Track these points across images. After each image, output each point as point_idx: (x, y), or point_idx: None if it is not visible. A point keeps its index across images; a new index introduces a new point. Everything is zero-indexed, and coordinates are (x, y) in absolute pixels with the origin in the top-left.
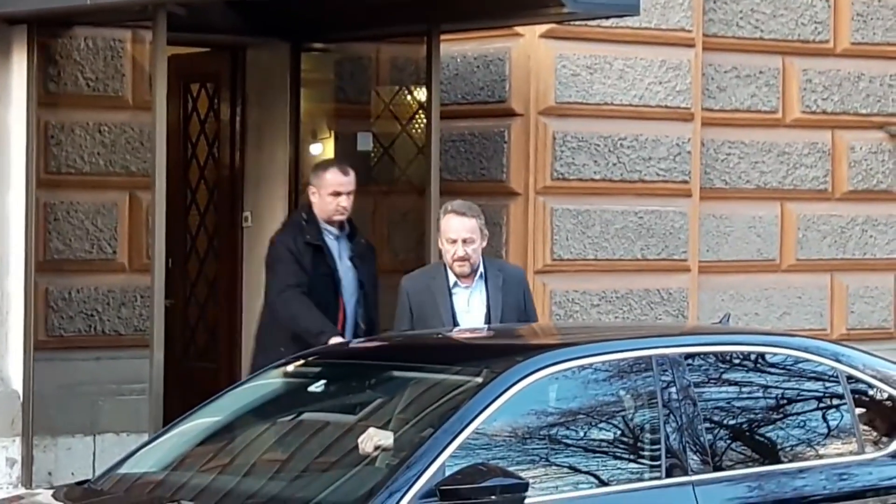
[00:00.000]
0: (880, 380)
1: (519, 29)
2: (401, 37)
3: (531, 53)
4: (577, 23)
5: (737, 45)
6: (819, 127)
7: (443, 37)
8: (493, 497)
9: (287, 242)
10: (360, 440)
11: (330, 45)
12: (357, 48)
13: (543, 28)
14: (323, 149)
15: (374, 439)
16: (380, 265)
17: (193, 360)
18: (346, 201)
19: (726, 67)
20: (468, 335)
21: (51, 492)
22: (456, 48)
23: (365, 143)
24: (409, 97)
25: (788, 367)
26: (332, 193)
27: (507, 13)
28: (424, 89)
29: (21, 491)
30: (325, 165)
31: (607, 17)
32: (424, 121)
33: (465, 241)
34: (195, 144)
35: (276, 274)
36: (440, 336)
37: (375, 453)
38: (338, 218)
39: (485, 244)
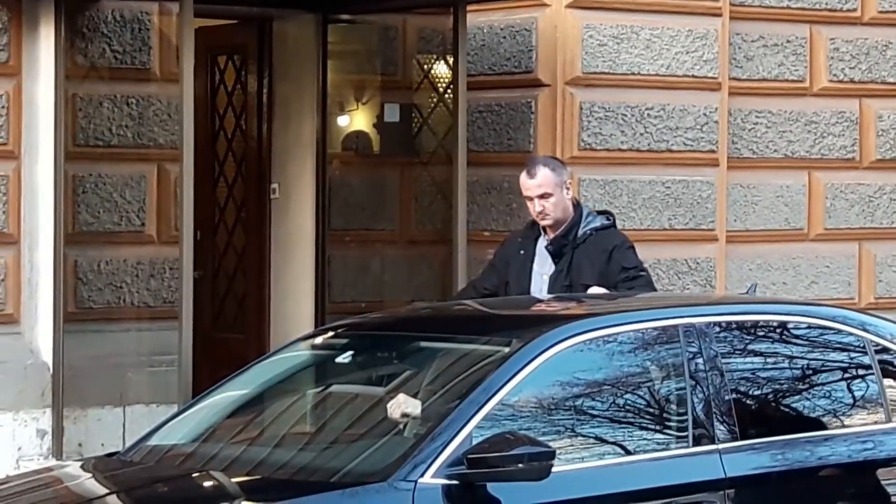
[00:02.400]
0: None
1: None
2: (427, 8)
3: (558, 23)
4: None
5: (764, 14)
6: (846, 96)
7: (469, 7)
8: (520, 465)
9: (505, 242)
10: (388, 405)
11: (357, 17)
12: (384, 19)
13: None
14: (350, 120)
15: (403, 406)
16: (406, 236)
17: (222, 332)
18: (539, 205)
19: (753, 36)
20: (497, 305)
21: (80, 463)
22: (482, 19)
23: (392, 114)
24: (435, 68)
25: (815, 338)
26: (525, 197)
27: None
28: (451, 60)
29: (51, 462)
30: (526, 163)
31: None
32: (451, 92)
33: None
34: (223, 117)
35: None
36: (468, 307)
37: (403, 420)
38: (543, 222)
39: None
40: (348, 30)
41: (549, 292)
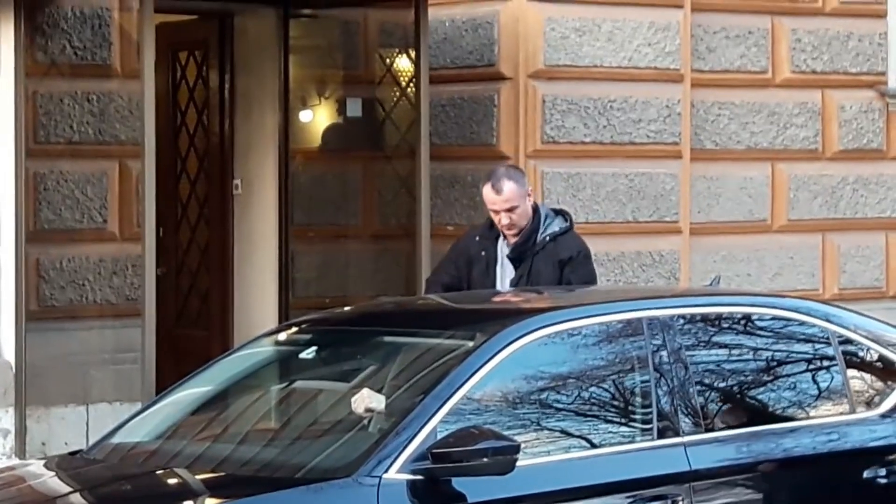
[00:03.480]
0: (872, 340)
1: None
2: (389, 2)
3: (519, 16)
4: None
5: (725, 6)
6: (809, 87)
7: (431, 1)
8: (484, 459)
9: (466, 235)
10: (353, 400)
11: (318, 11)
12: (345, 14)
13: None
14: (313, 115)
15: (367, 401)
16: (370, 231)
17: (186, 328)
18: (506, 218)
19: (715, 28)
20: (460, 300)
21: (43, 462)
22: (444, 12)
23: (354, 108)
24: (397, 62)
25: (779, 329)
26: (490, 210)
27: None
28: (413, 54)
29: (14, 461)
30: (485, 177)
31: None
32: (414, 86)
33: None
34: (184, 112)
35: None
36: (432, 301)
37: (367, 415)
38: (507, 233)
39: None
40: (309, 24)
41: None
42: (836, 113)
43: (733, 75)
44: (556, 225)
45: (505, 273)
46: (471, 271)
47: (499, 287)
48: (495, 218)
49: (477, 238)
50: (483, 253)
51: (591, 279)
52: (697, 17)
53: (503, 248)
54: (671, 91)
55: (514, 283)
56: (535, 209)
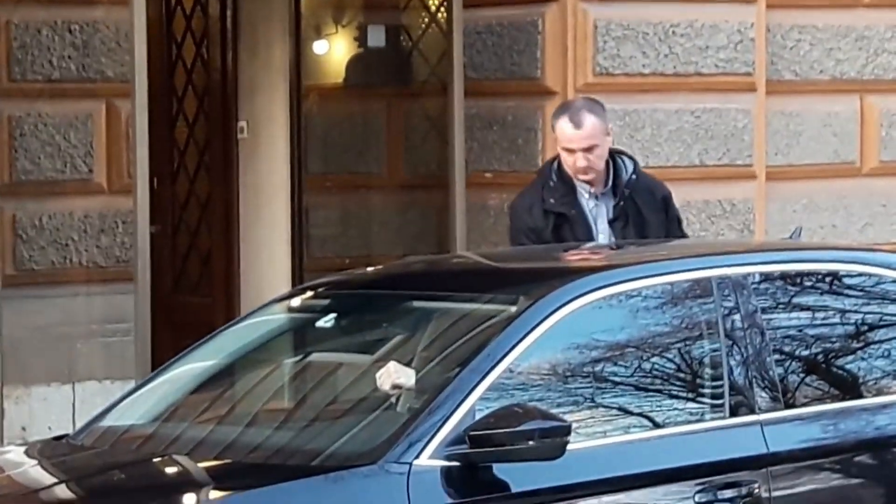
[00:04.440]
0: None
1: None
2: None
3: None
4: None
5: None
6: None
7: None
8: (530, 442)
9: (522, 212)
10: (378, 376)
11: None
12: None
13: None
14: (329, 47)
15: (394, 376)
16: (396, 180)
17: (185, 294)
18: (582, 160)
19: None
20: (502, 257)
21: (24, 448)
22: None
23: (377, 38)
24: None
25: (871, 288)
26: (564, 149)
27: None
28: None
29: None
30: (559, 109)
31: None
32: (445, 10)
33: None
34: (181, 45)
35: None
36: (468, 260)
37: (395, 392)
38: (582, 178)
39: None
40: None
41: None
42: None
43: None
44: (629, 163)
45: (601, 225)
46: (562, 238)
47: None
48: (570, 159)
49: (552, 199)
50: (573, 210)
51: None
52: None
53: (586, 198)
54: (743, 13)
55: (619, 235)
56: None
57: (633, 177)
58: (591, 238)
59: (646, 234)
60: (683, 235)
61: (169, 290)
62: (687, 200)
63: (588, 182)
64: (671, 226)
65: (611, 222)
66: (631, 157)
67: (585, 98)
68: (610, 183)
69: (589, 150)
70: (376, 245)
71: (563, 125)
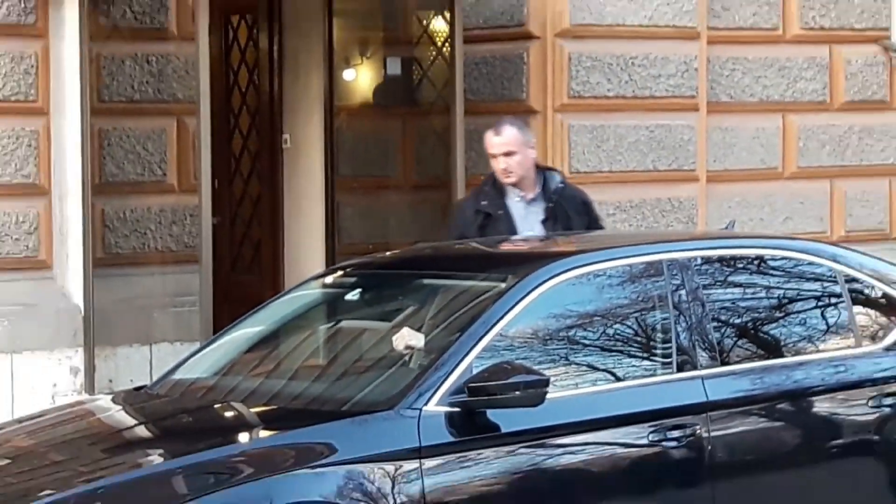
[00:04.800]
0: (876, 279)
1: None
2: None
3: None
4: None
5: None
6: (817, 42)
7: None
8: (517, 392)
9: (456, 211)
10: (394, 339)
11: None
12: None
13: None
14: (355, 74)
15: (408, 339)
16: (409, 182)
17: (240, 274)
18: (504, 163)
19: None
20: (493, 244)
21: (111, 397)
22: None
23: (394, 67)
24: (434, 24)
25: (789, 269)
26: (490, 155)
27: None
28: (448, 16)
29: (84, 397)
30: (493, 125)
31: None
32: (448, 46)
33: (506, 155)
34: (236, 73)
35: None
36: (467, 246)
37: (408, 352)
38: (507, 181)
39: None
40: None
41: None
42: (843, 66)
43: (746, 32)
44: (557, 178)
45: (528, 222)
46: (487, 233)
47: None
48: (494, 163)
49: (483, 202)
50: (500, 211)
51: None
52: None
53: (516, 201)
54: (689, 48)
55: (548, 229)
56: (538, 168)
57: (560, 186)
58: (512, 231)
59: (572, 229)
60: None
61: (227, 270)
62: (642, 198)
63: (514, 185)
64: (593, 225)
65: (543, 222)
66: (558, 171)
67: (511, 118)
68: (539, 190)
69: (508, 154)
70: (393, 234)
71: (488, 134)
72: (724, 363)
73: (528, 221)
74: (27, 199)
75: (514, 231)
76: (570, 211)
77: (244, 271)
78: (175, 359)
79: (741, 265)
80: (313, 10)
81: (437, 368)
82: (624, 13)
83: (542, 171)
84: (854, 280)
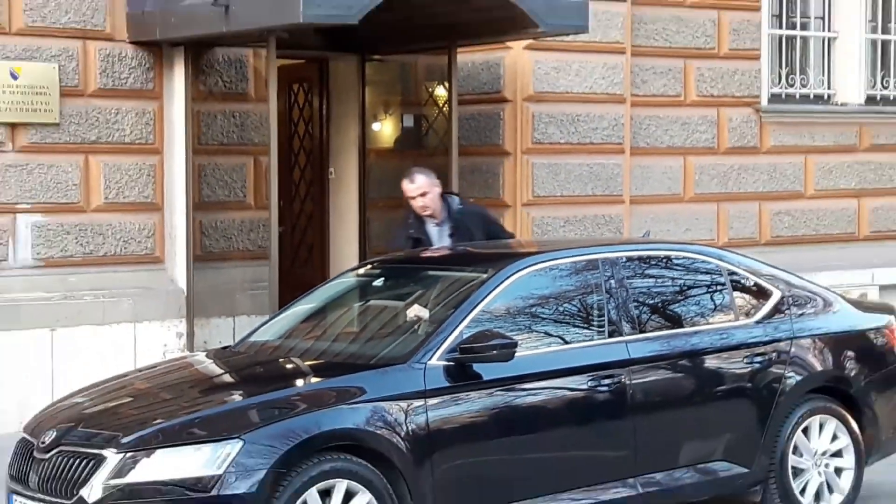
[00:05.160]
0: (750, 272)
1: (509, 43)
2: (431, 51)
3: (517, 59)
4: (547, 39)
5: (653, 52)
6: (709, 105)
7: (459, 50)
8: (494, 352)
9: (397, 236)
10: (407, 312)
11: (385, 57)
12: (403, 59)
13: (525, 43)
14: (381, 127)
15: (417, 313)
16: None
17: (298, 268)
18: (420, 202)
19: (646, 66)
20: (478, 247)
21: (205, 353)
22: (468, 58)
23: (408, 121)
24: (436, 91)
25: (688, 265)
26: (409, 198)
27: (501, 34)
28: (447, 85)
29: (186, 354)
30: (404, 175)
31: (566, 35)
32: (447, 106)
33: (421, 195)
34: (296, 124)
35: None
36: (459, 249)
37: (417, 322)
38: (424, 214)
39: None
40: (379, 66)
41: None
42: (726, 123)
43: (659, 98)
44: (456, 200)
45: (442, 240)
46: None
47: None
48: (413, 204)
49: (411, 231)
50: (420, 237)
51: (504, 229)
52: (635, 60)
53: (431, 227)
54: (617, 109)
55: (453, 241)
56: (442, 195)
57: (460, 207)
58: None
59: (472, 240)
60: (510, 235)
61: (288, 265)
62: (584, 215)
63: (430, 216)
64: (494, 232)
65: (450, 236)
66: (457, 194)
67: (418, 167)
68: (445, 214)
69: (422, 195)
70: None
71: (404, 183)
72: (641, 332)
73: (441, 239)
74: (147, 213)
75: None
76: (470, 226)
77: (300, 265)
78: (251, 327)
79: (654, 262)
80: (351, 81)
81: (438, 334)
82: (572, 84)
83: (445, 196)
84: (734, 273)
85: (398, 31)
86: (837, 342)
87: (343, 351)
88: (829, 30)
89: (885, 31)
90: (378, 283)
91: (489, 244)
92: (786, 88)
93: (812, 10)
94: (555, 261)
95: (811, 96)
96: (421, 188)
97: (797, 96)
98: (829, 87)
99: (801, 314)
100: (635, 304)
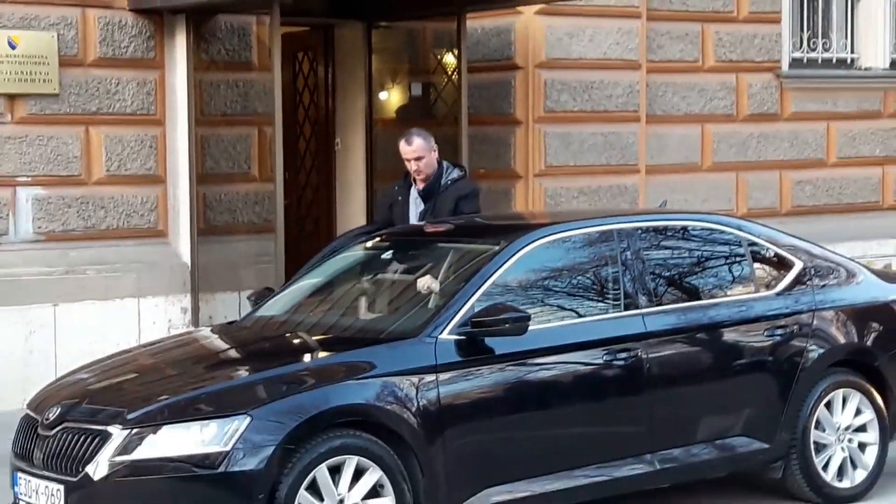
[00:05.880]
0: (770, 243)
1: (520, 8)
2: (439, 17)
3: (529, 25)
4: (559, 3)
5: (670, 16)
6: (727, 71)
7: (468, 16)
8: (506, 325)
9: (383, 192)
10: (418, 283)
11: (391, 24)
12: (410, 25)
13: (536, 7)
14: (388, 96)
15: (428, 285)
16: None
17: (304, 241)
18: (415, 165)
19: (662, 31)
20: (489, 218)
21: (210, 328)
22: (477, 23)
23: (416, 90)
24: (445, 58)
25: (706, 236)
26: (405, 160)
27: None
28: (456, 52)
29: (191, 329)
30: (402, 136)
31: None
32: (457, 74)
33: (416, 159)
34: (301, 94)
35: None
36: (470, 219)
37: (426, 293)
38: (417, 177)
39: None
40: (386, 33)
41: None
42: (746, 89)
43: (675, 64)
44: (455, 173)
45: (418, 209)
46: (393, 211)
47: (412, 219)
48: (408, 165)
49: (396, 188)
50: (400, 198)
51: (476, 211)
52: (651, 24)
53: (414, 192)
54: (632, 76)
55: (422, 216)
56: (440, 163)
57: (449, 182)
58: (405, 217)
59: (440, 217)
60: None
61: (294, 237)
62: (599, 185)
63: (423, 181)
64: (460, 208)
65: (422, 213)
66: (459, 167)
67: (418, 129)
68: (431, 184)
69: (418, 159)
70: None
71: (401, 145)
72: (658, 304)
73: (415, 209)
74: (149, 186)
75: (406, 214)
76: (441, 204)
77: (307, 238)
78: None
79: (671, 233)
80: (357, 48)
81: (449, 308)
82: (585, 50)
83: (444, 165)
84: (753, 244)
85: None
86: (861, 314)
87: (352, 325)
88: None
89: None
90: (387, 255)
91: (496, 216)
92: (807, 53)
93: None
94: (568, 232)
95: (834, 61)
96: (416, 152)
97: (819, 61)
98: (852, 52)
99: (824, 285)
100: (651, 276)
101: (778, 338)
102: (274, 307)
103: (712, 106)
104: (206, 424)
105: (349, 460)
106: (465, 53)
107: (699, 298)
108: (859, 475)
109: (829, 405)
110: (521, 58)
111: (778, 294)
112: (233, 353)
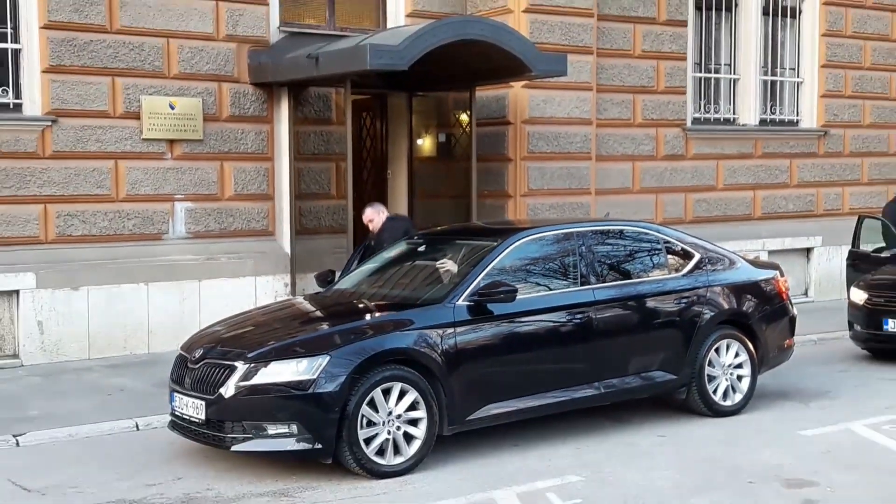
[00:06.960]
0: (678, 241)
1: (512, 83)
2: (458, 89)
3: (518, 94)
4: (538, 80)
5: (612, 89)
6: (650, 126)
7: (477, 89)
8: (501, 295)
9: (377, 238)
10: (439, 265)
11: (426, 94)
12: (438, 94)
13: (523, 83)
14: (423, 141)
15: (448, 266)
16: (449, 195)
17: (364, 240)
18: (371, 226)
19: (607, 99)
20: (490, 223)
21: (303, 297)
22: (483, 94)
23: (442, 138)
24: (462, 117)
25: (636, 236)
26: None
27: (506, 77)
28: (468, 113)
29: (291, 297)
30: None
31: (553, 77)
32: (469, 127)
33: (369, 221)
34: (364, 141)
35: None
36: (478, 224)
37: (447, 274)
38: (371, 227)
39: (384, 216)
40: (422, 100)
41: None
42: (663, 138)
43: (615, 121)
44: (390, 218)
45: (373, 242)
46: (369, 242)
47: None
48: (369, 226)
49: (371, 242)
50: (371, 242)
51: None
52: (599, 94)
53: (372, 241)
54: (587, 129)
55: (376, 247)
56: (386, 219)
57: (386, 222)
58: (370, 250)
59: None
60: (407, 230)
61: (360, 238)
62: (563, 202)
63: (373, 229)
64: (395, 229)
65: (369, 243)
66: (396, 215)
67: (371, 203)
68: (381, 229)
69: (370, 221)
70: (442, 220)
71: (364, 212)
72: (603, 282)
73: (376, 244)
74: (262, 201)
75: (378, 244)
76: (382, 236)
77: (365, 238)
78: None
79: (611, 234)
80: (402, 110)
81: (463, 283)
82: (555, 111)
83: (389, 217)
84: (667, 242)
85: (435, 76)
86: (739, 289)
87: (399, 295)
88: (734, 73)
89: (773, 73)
90: (422, 248)
91: (495, 222)
92: (704, 114)
93: (722, 59)
94: (543, 233)
95: (721, 119)
96: (367, 217)
97: (712, 119)
98: (734, 113)
99: (714, 270)
100: (598, 263)
101: (683, 304)
102: (346, 283)
103: (640, 149)
104: (300, 361)
105: (395, 385)
106: (475, 114)
107: (630, 278)
108: (738, 397)
109: (717, 350)
110: (512, 116)
111: (683, 275)
112: (318, 314)
